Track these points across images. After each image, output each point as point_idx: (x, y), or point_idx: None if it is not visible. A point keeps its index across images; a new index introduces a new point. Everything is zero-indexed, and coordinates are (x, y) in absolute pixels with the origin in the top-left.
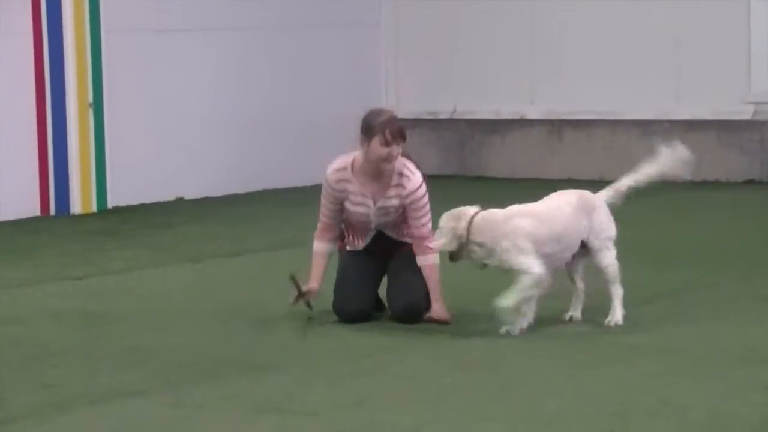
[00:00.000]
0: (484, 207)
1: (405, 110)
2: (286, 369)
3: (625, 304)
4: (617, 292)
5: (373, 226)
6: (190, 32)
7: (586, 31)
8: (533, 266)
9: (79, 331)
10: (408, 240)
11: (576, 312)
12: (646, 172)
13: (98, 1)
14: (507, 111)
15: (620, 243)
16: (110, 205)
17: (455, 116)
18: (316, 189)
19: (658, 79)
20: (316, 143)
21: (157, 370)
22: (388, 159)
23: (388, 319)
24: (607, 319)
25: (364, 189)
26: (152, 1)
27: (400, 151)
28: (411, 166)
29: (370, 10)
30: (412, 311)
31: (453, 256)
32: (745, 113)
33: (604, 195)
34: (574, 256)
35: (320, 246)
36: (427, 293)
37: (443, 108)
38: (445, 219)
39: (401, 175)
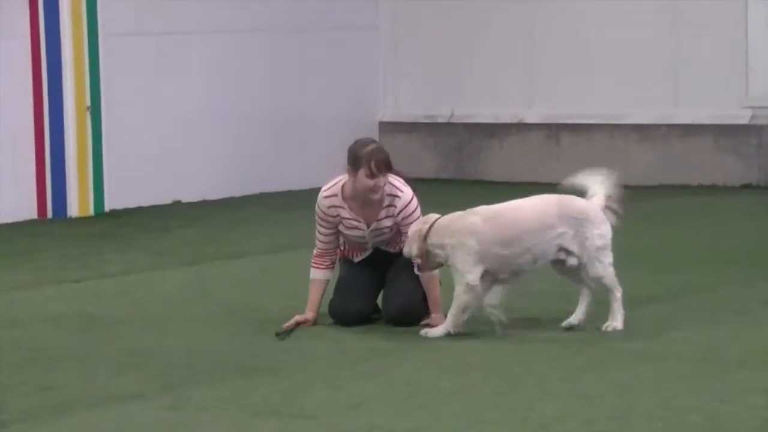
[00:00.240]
0: None
1: (403, 114)
2: (284, 372)
3: (624, 308)
4: (616, 296)
5: (369, 246)
6: (187, 35)
7: (584, 35)
8: (468, 273)
9: (77, 334)
10: None
11: (574, 320)
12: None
13: (96, 3)
14: (505, 115)
15: (618, 247)
16: (108, 208)
17: (453, 120)
18: (313, 192)
19: (656, 83)
20: (314, 147)
21: (155, 373)
22: (375, 190)
23: (384, 323)
24: (606, 324)
25: (356, 214)
26: (150, 4)
27: (387, 180)
28: (399, 183)
29: (368, 13)
30: (407, 312)
31: (420, 266)
32: (742, 117)
33: (600, 201)
34: (571, 264)
35: (317, 273)
36: (422, 297)
37: (441, 112)
38: (413, 225)
39: (391, 195)
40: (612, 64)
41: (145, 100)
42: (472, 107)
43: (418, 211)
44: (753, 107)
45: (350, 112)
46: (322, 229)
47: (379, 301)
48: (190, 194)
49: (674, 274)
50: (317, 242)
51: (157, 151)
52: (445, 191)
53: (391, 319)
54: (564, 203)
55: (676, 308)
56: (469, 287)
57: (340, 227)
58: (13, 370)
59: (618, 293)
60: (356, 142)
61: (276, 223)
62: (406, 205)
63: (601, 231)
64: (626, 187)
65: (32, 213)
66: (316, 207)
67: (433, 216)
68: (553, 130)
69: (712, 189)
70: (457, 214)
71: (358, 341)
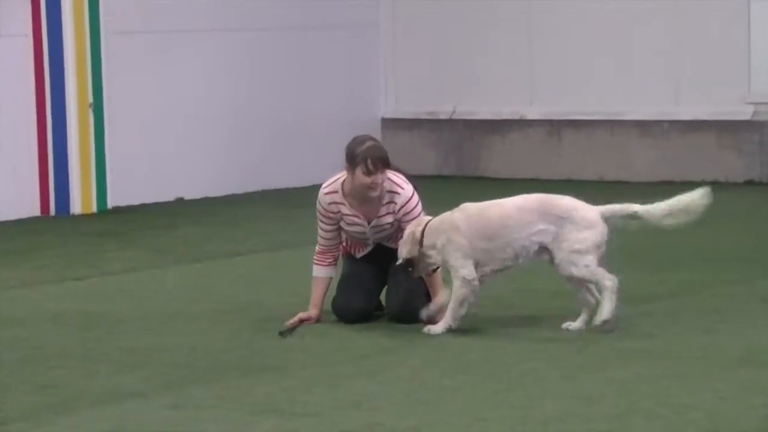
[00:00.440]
0: None
1: (404, 111)
2: (285, 370)
3: (623, 306)
4: (606, 285)
5: (370, 242)
6: (190, 33)
7: (585, 31)
8: (462, 268)
9: (78, 332)
10: None
11: (578, 323)
12: (660, 207)
13: (98, 2)
14: (506, 111)
15: (619, 246)
16: (110, 205)
17: (454, 117)
18: (315, 189)
19: (658, 79)
20: (315, 144)
21: (156, 372)
22: (372, 187)
23: (387, 321)
24: (594, 318)
25: (357, 210)
26: (152, 3)
27: (385, 177)
28: (399, 179)
29: (369, 10)
30: (409, 310)
31: (413, 268)
32: (744, 114)
33: (603, 209)
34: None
35: (320, 271)
36: (425, 294)
37: (442, 108)
38: (408, 227)
39: (391, 192)
40: (613, 60)
41: (147, 98)
42: (473, 104)
43: (419, 207)
44: (755, 103)
45: (352, 109)
46: (324, 226)
47: (383, 297)
48: (192, 191)
49: (675, 272)
50: (319, 239)
51: (160, 148)
52: (446, 188)
53: (394, 316)
54: (547, 201)
55: (676, 306)
56: (465, 281)
57: (341, 223)
58: (14, 368)
59: (608, 282)
60: (354, 140)
61: (278, 221)
62: (407, 202)
63: (582, 235)
64: (627, 183)
65: (35, 210)
66: (317, 204)
67: (426, 218)
68: (555, 126)
69: (714, 185)
70: (445, 214)
71: (360, 339)
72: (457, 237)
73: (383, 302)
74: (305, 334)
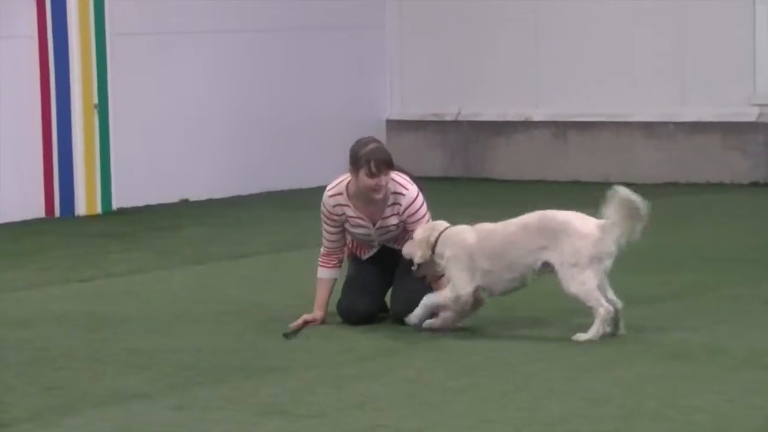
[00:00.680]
0: (488, 209)
1: (409, 112)
2: (290, 371)
3: (627, 307)
4: (598, 312)
5: (375, 244)
6: (194, 35)
7: (590, 33)
8: (460, 284)
9: (83, 333)
10: None
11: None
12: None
13: (103, 3)
14: (512, 113)
15: (623, 246)
16: (115, 206)
17: (460, 118)
18: (319, 191)
19: (663, 81)
20: (320, 146)
21: (161, 373)
22: (376, 189)
23: (392, 322)
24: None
25: (362, 212)
26: (157, 4)
27: (389, 179)
28: (404, 180)
29: (375, 11)
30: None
31: (420, 269)
32: (749, 115)
33: (603, 223)
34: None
35: (324, 272)
36: None
37: (448, 110)
38: (420, 230)
39: (395, 194)
40: (619, 62)
41: (152, 99)
42: (479, 105)
43: (424, 208)
44: (760, 105)
45: (357, 111)
46: (328, 228)
47: (387, 299)
48: (197, 193)
49: (679, 273)
50: (324, 241)
51: (165, 149)
52: (452, 189)
53: (399, 318)
54: (545, 216)
55: (681, 308)
56: (456, 295)
57: (346, 225)
58: (19, 369)
59: (602, 311)
60: (357, 142)
61: (282, 222)
62: (411, 203)
63: (576, 246)
64: (633, 185)
65: (39, 211)
66: (322, 206)
67: (442, 224)
68: (560, 128)
69: (720, 187)
70: (462, 228)
71: (364, 340)
72: (462, 254)
73: (388, 304)
74: (310, 336)
